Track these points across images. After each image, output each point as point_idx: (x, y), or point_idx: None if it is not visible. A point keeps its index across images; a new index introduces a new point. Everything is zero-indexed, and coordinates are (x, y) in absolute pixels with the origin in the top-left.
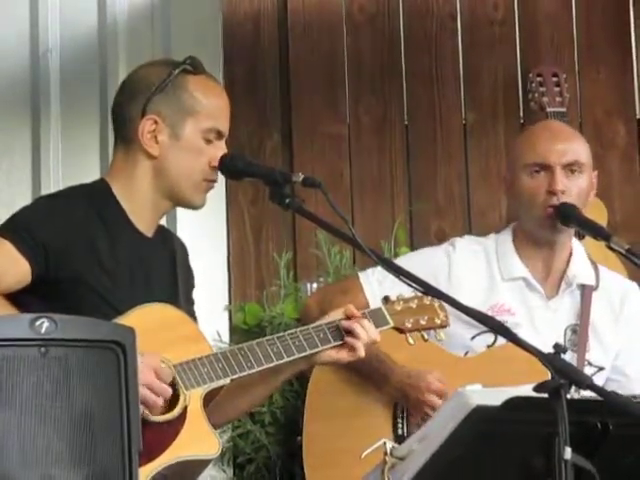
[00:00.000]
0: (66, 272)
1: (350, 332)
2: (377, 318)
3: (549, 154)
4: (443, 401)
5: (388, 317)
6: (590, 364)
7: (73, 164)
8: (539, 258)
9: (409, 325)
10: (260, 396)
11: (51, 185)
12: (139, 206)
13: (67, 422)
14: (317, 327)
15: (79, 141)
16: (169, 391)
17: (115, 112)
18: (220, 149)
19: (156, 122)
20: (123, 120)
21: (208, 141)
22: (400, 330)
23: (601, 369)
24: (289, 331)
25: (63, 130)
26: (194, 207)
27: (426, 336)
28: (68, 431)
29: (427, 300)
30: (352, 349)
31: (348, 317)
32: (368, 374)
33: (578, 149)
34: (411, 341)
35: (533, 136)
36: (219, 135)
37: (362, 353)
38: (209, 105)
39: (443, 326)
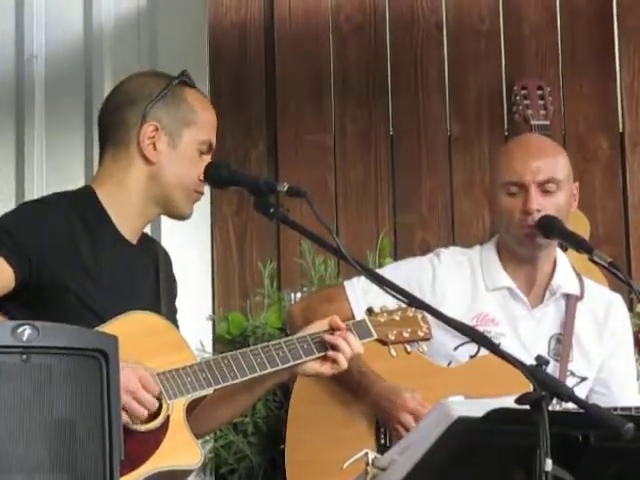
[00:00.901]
0: (49, 278)
1: (334, 347)
2: (361, 330)
3: (523, 173)
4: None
5: (372, 329)
6: (573, 374)
7: (57, 171)
8: (522, 270)
9: (392, 337)
10: (243, 405)
11: (35, 191)
12: (126, 212)
13: (48, 430)
14: (301, 338)
15: (63, 148)
16: (155, 404)
17: (109, 116)
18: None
19: (157, 129)
20: (119, 124)
21: (201, 153)
22: (383, 342)
23: (584, 379)
24: (273, 342)
25: (47, 136)
26: (182, 216)
27: (409, 348)
28: (49, 438)
29: (410, 312)
30: (335, 362)
31: (332, 328)
32: (349, 386)
33: (554, 165)
34: (394, 353)
35: (508, 154)
36: (210, 148)
37: (345, 365)
38: (205, 118)
39: (426, 339)
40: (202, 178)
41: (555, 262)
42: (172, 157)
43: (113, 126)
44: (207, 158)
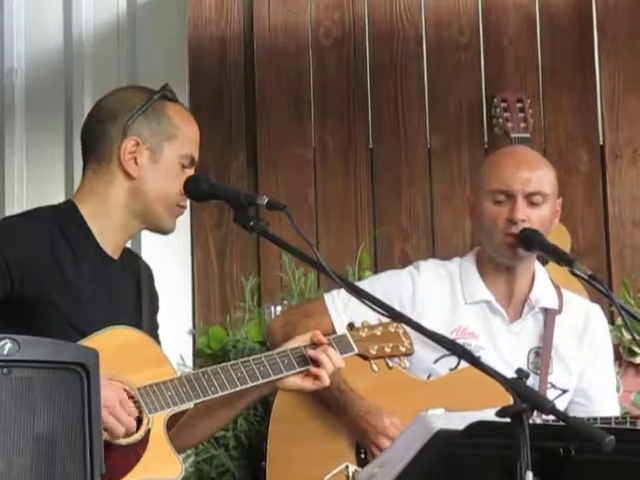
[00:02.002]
0: (31, 293)
1: (315, 361)
2: (342, 345)
3: (512, 182)
4: None
5: (353, 344)
6: (554, 387)
7: (38, 184)
8: (501, 282)
9: (373, 352)
10: (225, 419)
11: (15, 205)
12: (108, 227)
13: (29, 444)
14: (282, 353)
15: (44, 161)
16: (133, 423)
17: (91, 130)
18: None
19: (137, 143)
20: (100, 139)
21: (183, 167)
22: (364, 357)
23: (565, 392)
24: (253, 356)
25: (28, 150)
26: (165, 231)
27: (390, 364)
28: (30, 452)
29: (392, 327)
30: (317, 378)
31: (314, 343)
32: (328, 403)
33: (542, 178)
34: (375, 368)
35: (498, 162)
36: (192, 162)
37: (327, 382)
38: (186, 132)
39: (407, 354)
40: (183, 192)
41: (533, 276)
42: (153, 172)
43: (95, 141)
44: (190, 172)
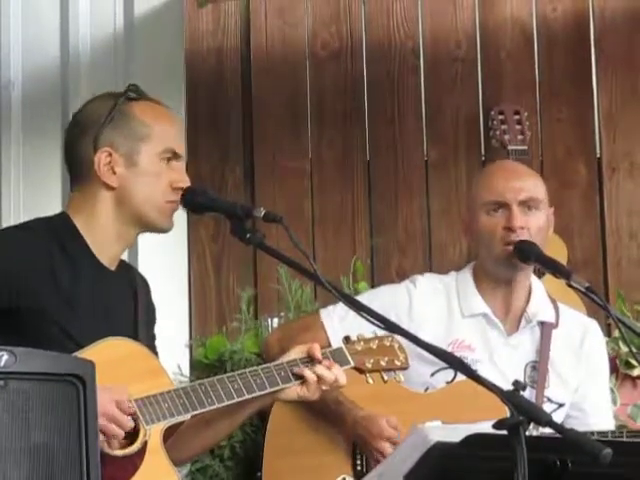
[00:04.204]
0: (27, 303)
1: (319, 377)
2: (338, 358)
3: (505, 192)
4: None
5: (349, 357)
6: (550, 401)
7: (34, 197)
8: (499, 295)
9: (369, 365)
10: (225, 430)
11: (11, 218)
12: (103, 239)
13: (25, 456)
14: (278, 365)
15: (40, 174)
16: (130, 423)
17: (67, 150)
18: (178, 170)
19: (110, 154)
20: (76, 157)
21: (168, 160)
22: (360, 370)
23: (561, 406)
24: (250, 368)
25: (24, 162)
26: (162, 230)
27: (385, 377)
28: (26, 464)
29: (388, 341)
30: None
31: (310, 357)
32: (325, 415)
33: (533, 186)
34: (370, 381)
35: (489, 176)
36: (175, 155)
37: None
38: (159, 127)
39: (403, 368)
40: (174, 187)
41: (530, 289)
42: (133, 176)
43: (72, 160)
44: (177, 165)
